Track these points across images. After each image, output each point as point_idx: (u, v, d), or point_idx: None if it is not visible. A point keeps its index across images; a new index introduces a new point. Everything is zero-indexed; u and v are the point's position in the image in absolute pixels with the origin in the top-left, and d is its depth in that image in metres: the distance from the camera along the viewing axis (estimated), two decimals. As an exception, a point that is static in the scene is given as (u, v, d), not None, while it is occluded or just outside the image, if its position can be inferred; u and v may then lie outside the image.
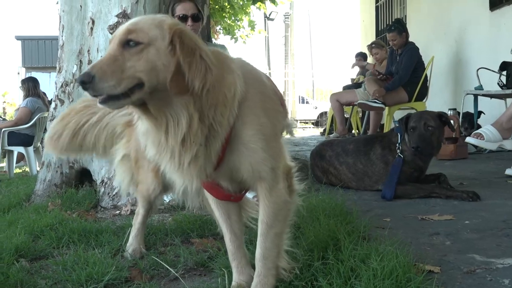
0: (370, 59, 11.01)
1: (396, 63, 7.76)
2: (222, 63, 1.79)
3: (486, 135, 4.31)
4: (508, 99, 7.02)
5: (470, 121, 7.19)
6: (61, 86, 4.65)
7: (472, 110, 7.20)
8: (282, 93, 2.38)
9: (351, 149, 4.34)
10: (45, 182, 4.73)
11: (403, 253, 2.03)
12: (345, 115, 10.53)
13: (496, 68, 6.92)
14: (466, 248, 2.50)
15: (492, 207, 3.39)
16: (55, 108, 4.70)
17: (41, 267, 2.52)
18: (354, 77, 11.45)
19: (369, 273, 1.87)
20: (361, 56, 11.39)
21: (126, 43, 1.67)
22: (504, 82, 6.74)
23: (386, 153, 4.13)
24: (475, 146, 6.46)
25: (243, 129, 1.80)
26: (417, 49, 7.60)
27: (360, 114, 10.74)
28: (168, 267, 2.33)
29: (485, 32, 7.96)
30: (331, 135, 10.74)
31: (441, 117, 3.98)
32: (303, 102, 24.05)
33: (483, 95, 6.95)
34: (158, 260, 2.42)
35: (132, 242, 2.73)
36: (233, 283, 2.07)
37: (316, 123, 22.73)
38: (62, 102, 4.63)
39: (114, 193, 4.19)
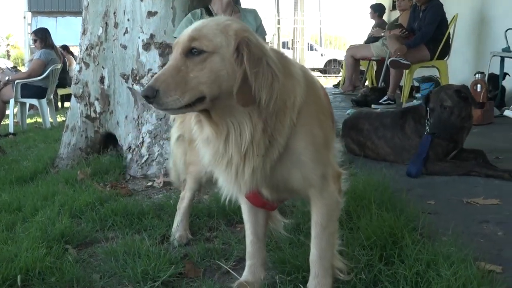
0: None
1: (418, 19, 7.54)
2: (284, 67, 1.70)
3: None
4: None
5: (495, 83, 7.01)
6: (86, 49, 4.50)
7: (497, 71, 7.02)
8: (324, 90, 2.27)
9: (389, 123, 4.21)
10: (69, 146, 4.66)
11: (473, 260, 1.99)
12: (360, 68, 10.40)
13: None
14: (521, 241, 2.45)
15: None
16: (79, 71, 4.57)
17: (89, 255, 2.49)
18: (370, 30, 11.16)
19: (443, 284, 1.83)
20: (373, 9, 11.12)
21: (189, 52, 1.59)
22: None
23: (419, 127, 4.00)
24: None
25: (295, 140, 1.74)
26: (441, 5, 7.35)
27: (375, 68, 10.57)
28: (221, 264, 2.30)
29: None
30: (337, 90, 10.64)
31: (459, 93, 3.81)
32: (311, 49, 23.54)
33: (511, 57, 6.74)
34: (216, 261, 2.37)
35: (178, 228, 2.68)
36: (241, 279, 2.10)
37: (324, 71, 22.36)
38: (87, 65, 4.49)
39: (143, 161, 4.12)
